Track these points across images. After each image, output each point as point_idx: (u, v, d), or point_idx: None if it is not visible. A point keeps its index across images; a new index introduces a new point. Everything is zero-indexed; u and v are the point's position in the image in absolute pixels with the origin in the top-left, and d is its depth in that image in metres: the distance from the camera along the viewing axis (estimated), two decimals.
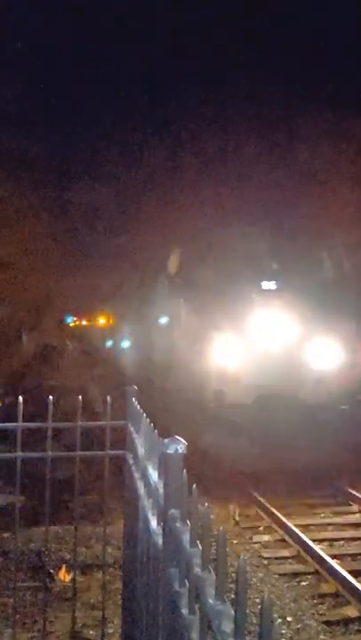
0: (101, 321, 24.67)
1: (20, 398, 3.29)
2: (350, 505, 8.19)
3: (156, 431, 2.18)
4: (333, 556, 6.24)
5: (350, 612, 5.30)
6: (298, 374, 8.63)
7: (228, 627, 1.06)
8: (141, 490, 2.32)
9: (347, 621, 5.17)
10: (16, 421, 3.37)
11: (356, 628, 5.12)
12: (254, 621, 3.98)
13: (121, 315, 18.97)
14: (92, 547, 5.75)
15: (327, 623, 5.07)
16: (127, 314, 17.16)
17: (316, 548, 6.39)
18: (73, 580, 3.91)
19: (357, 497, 8.15)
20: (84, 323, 49.86)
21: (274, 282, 9.32)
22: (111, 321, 23.03)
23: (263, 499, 8.04)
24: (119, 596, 3.98)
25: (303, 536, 6.70)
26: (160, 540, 1.72)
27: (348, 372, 8.88)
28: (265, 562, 6.28)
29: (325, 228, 9.91)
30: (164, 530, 1.68)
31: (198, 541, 1.35)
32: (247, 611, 1.07)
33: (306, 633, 4.77)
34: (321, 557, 6.13)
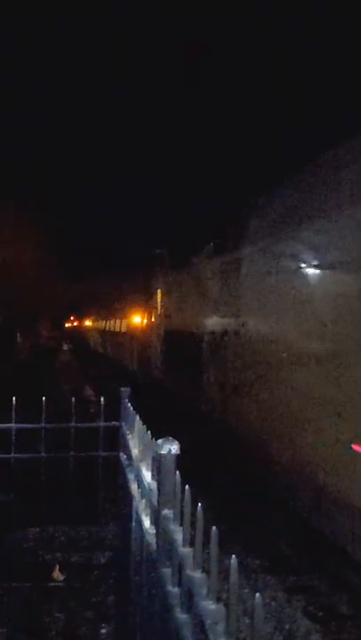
0: (137, 319, 20.79)
1: (14, 399, 3.30)
2: None
3: (149, 432, 2.19)
4: None
5: None
6: None
7: (220, 626, 1.08)
8: (135, 490, 2.33)
9: None
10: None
11: None
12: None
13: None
14: (86, 547, 5.75)
15: None
16: None
17: None
18: (67, 580, 3.92)
19: None
20: (87, 323, 49.27)
21: None
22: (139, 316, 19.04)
23: None
24: (114, 596, 3.99)
25: None
26: (154, 540, 1.73)
27: None
28: None
29: None
30: (157, 530, 1.69)
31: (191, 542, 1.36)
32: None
33: None
34: None
